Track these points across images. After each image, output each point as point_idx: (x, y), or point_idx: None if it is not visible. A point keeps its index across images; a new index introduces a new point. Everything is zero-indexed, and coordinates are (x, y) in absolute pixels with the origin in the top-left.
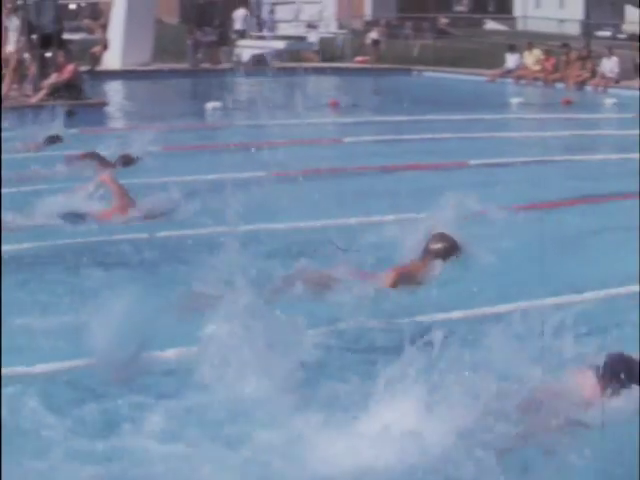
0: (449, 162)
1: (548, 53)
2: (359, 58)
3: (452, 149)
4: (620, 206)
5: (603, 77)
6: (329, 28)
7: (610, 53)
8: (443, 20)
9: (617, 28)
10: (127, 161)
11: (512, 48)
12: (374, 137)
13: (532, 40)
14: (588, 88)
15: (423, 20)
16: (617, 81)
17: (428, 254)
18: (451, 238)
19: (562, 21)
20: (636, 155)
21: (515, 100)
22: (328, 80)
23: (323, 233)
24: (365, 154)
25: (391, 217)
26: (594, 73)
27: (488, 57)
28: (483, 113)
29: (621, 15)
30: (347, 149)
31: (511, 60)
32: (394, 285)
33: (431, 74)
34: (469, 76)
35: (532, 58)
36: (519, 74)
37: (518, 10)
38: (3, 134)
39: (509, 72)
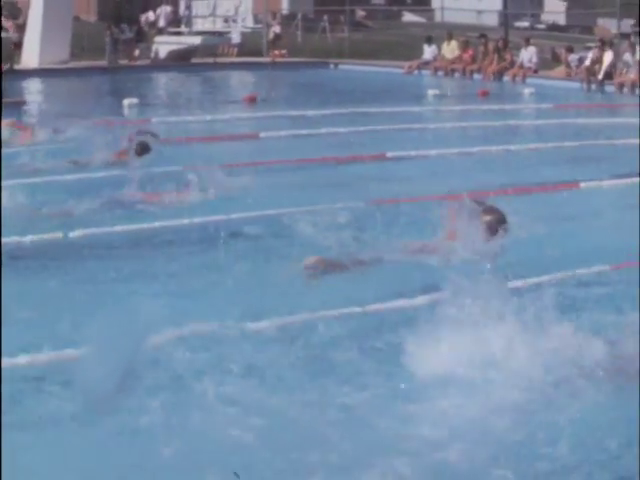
0: (366, 155)
1: (466, 44)
2: (276, 52)
3: (369, 142)
4: (536, 197)
5: (521, 67)
6: (246, 23)
7: (527, 43)
8: (360, 13)
9: (536, 18)
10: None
11: (429, 40)
12: (290, 131)
13: (450, 31)
14: (506, 78)
15: (340, 13)
16: (535, 71)
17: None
18: (499, 211)
19: (481, 12)
20: (551, 144)
21: (431, 92)
22: (246, 75)
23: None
24: (281, 148)
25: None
26: (512, 63)
27: (405, 49)
28: (399, 105)
29: (540, 5)
30: (262, 144)
31: (428, 52)
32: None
33: (348, 67)
34: (386, 68)
35: (449, 49)
36: (436, 65)
37: (436, 2)
38: None
39: (426, 64)
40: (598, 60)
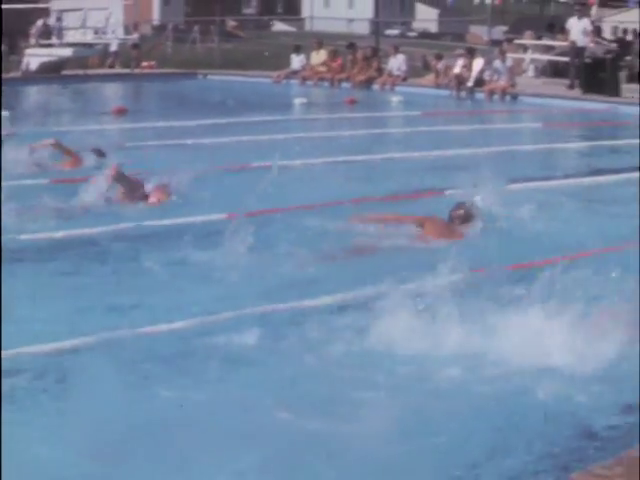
0: (232, 165)
1: (334, 53)
2: (145, 63)
3: (235, 152)
4: (400, 206)
5: (390, 75)
6: (116, 34)
7: (396, 51)
8: (231, 23)
9: (408, 26)
10: (100, 154)
11: (297, 49)
12: (157, 142)
13: (320, 40)
14: (375, 87)
15: (211, 23)
16: (404, 79)
17: (452, 219)
18: (468, 207)
19: (351, 21)
20: (418, 153)
21: (298, 101)
22: (115, 87)
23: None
24: (147, 159)
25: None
26: (380, 72)
27: (275, 58)
28: (266, 115)
29: (412, 13)
30: (128, 154)
31: (296, 61)
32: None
33: (217, 77)
34: (256, 78)
35: (318, 58)
36: (304, 75)
37: (306, 11)
38: None
39: (295, 73)
40: (467, 67)
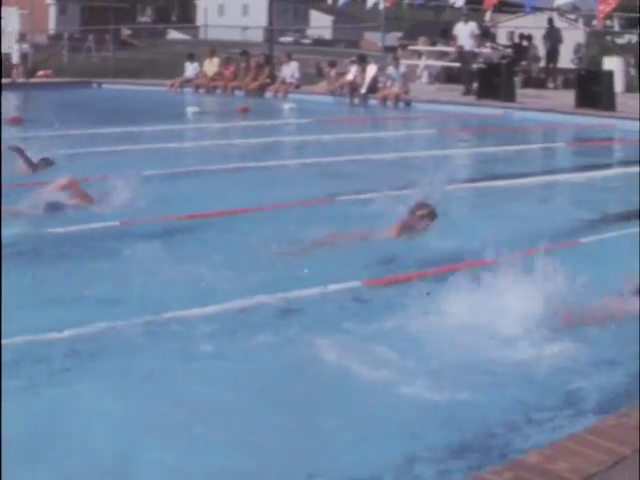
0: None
1: (227, 61)
2: (41, 72)
3: (125, 161)
4: (292, 213)
5: (283, 83)
6: (10, 43)
7: (289, 59)
8: (126, 32)
9: (302, 33)
10: (48, 163)
11: (191, 57)
12: (49, 152)
13: (214, 48)
14: (268, 94)
15: (106, 32)
16: (297, 86)
17: (414, 216)
18: (430, 205)
19: (245, 28)
20: (310, 160)
21: (191, 109)
22: (11, 96)
23: None
24: None
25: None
26: (274, 79)
27: (170, 67)
28: (158, 124)
29: (306, 20)
30: None
31: (190, 69)
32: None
33: (111, 86)
34: (150, 87)
35: (211, 66)
36: (197, 83)
37: (201, 19)
38: None
39: (188, 81)
40: (360, 74)
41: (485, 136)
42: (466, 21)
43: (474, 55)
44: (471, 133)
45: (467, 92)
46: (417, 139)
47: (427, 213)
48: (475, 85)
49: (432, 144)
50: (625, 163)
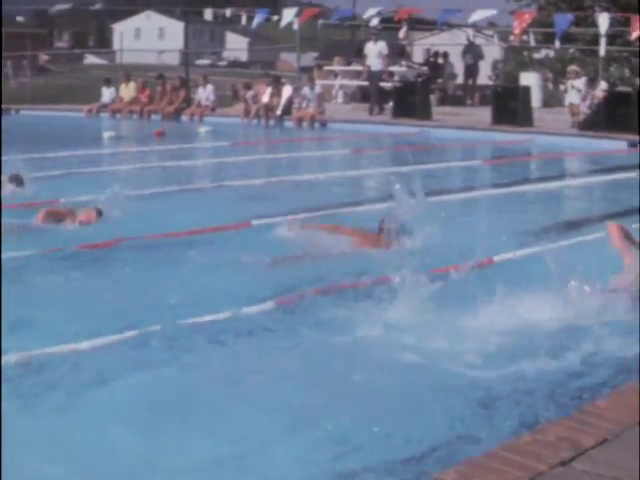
0: (39, 201)
1: (143, 85)
2: None
3: (42, 187)
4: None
5: (199, 106)
6: None
7: (205, 81)
8: (44, 57)
9: (218, 56)
10: (19, 181)
11: (108, 82)
12: None
13: (129, 73)
14: (184, 118)
15: (23, 58)
16: (213, 109)
17: (381, 231)
18: (397, 221)
19: (162, 52)
20: (226, 183)
21: (107, 134)
22: None
23: None
24: None
25: None
26: (190, 102)
27: (87, 92)
28: (74, 150)
29: (222, 42)
30: None
31: (107, 94)
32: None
33: (29, 112)
34: (68, 112)
35: (127, 91)
36: (114, 107)
37: (117, 43)
38: None
39: (105, 106)
40: (275, 96)
41: (400, 155)
42: (375, 40)
43: (383, 74)
44: (386, 152)
45: (372, 112)
46: (332, 160)
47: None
48: (390, 104)
49: (347, 164)
50: (542, 178)
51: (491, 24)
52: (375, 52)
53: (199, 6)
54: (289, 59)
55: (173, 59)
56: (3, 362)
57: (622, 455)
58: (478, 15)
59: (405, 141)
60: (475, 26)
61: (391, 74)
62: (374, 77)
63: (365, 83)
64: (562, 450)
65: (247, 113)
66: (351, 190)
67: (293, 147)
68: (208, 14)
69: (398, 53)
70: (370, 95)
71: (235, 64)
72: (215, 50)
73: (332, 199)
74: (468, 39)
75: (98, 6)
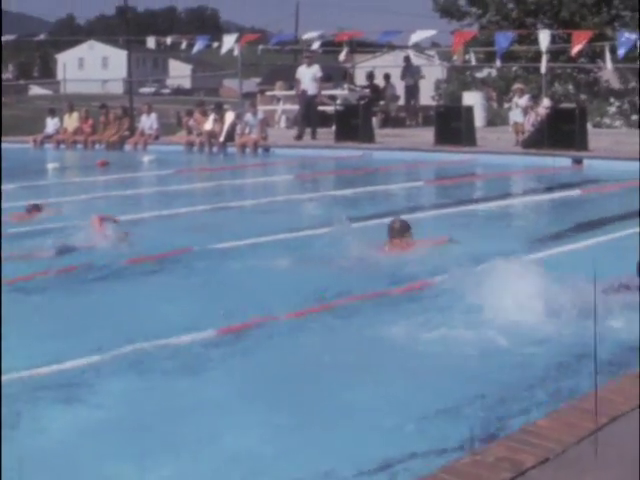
0: None
1: (86, 114)
2: None
3: None
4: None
5: (142, 134)
6: None
7: (149, 109)
8: None
9: (162, 83)
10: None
11: (52, 112)
12: None
13: (72, 103)
14: (128, 147)
15: None
16: (157, 137)
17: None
18: (404, 220)
19: (106, 81)
20: (168, 211)
21: (51, 165)
22: None
23: None
24: None
25: None
26: (133, 131)
27: (32, 123)
28: (18, 182)
29: (165, 70)
30: None
31: (51, 124)
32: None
33: None
34: (12, 144)
35: (71, 121)
36: (58, 138)
37: (61, 74)
38: None
39: (50, 137)
40: (218, 122)
41: (343, 179)
42: (309, 64)
43: (317, 98)
44: (329, 176)
45: (300, 137)
46: (275, 185)
47: (399, 227)
48: (333, 128)
49: (290, 189)
50: (486, 198)
51: (434, 44)
52: (309, 76)
53: (142, 34)
54: (232, 85)
55: (117, 88)
56: None
57: (563, 474)
58: (418, 36)
59: (348, 164)
60: (417, 47)
61: (333, 98)
62: (309, 101)
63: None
64: (502, 470)
65: (190, 141)
66: (293, 216)
67: (236, 174)
68: (151, 42)
69: (340, 76)
70: (304, 119)
71: (179, 91)
72: (158, 78)
73: (274, 225)
74: (406, 59)
75: (42, 36)
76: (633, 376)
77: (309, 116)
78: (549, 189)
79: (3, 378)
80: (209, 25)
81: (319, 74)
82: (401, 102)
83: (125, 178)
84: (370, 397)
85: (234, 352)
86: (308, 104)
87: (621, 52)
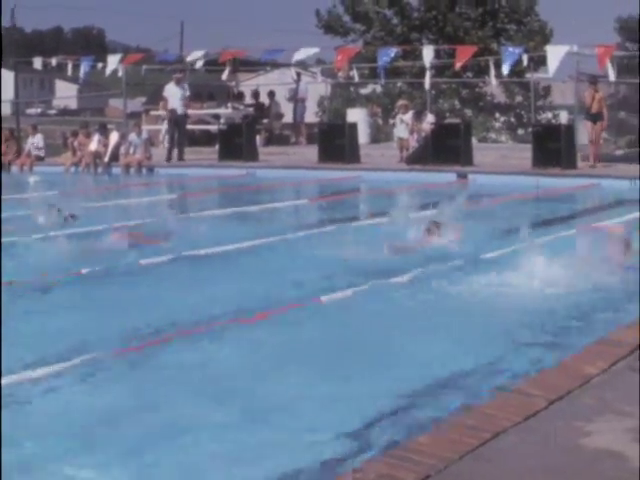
0: None
1: None
2: None
3: None
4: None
5: (28, 156)
6: None
7: (35, 131)
8: None
9: (48, 104)
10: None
11: None
12: None
13: None
14: (14, 168)
15: None
16: (42, 158)
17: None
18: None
19: None
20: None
21: None
22: None
23: None
24: None
25: None
26: (20, 153)
27: None
28: None
29: (52, 91)
30: None
31: None
32: None
33: None
34: None
35: None
36: None
37: None
38: None
39: None
40: (103, 143)
41: (227, 197)
42: (178, 82)
43: (186, 117)
44: (214, 194)
45: (170, 157)
46: (157, 205)
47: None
48: (218, 146)
49: (173, 209)
50: (371, 215)
51: (319, 61)
52: (178, 94)
53: (29, 55)
54: (118, 105)
55: (5, 109)
56: None
57: None
58: (302, 54)
59: (232, 183)
60: (302, 64)
61: (217, 116)
62: (177, 120)
63: (192, 126)
64: None
65: (75, 162)
66: (174, 235)
67: (120, 194)
68: (37, 63)
69: (224, 95)
70: (200, 138)
71: (65, 112)
72: (45, 99)
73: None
74: (292, 77)
75: None
76: (517, 392)
77: (178, 135)
78: (432, 204)
79: None
80: (95, 45)
81: (188, 93)
82: (288, 119)
83: (8, 199)
84: None
85: None
86: (177, 123)
87: (506, 67)
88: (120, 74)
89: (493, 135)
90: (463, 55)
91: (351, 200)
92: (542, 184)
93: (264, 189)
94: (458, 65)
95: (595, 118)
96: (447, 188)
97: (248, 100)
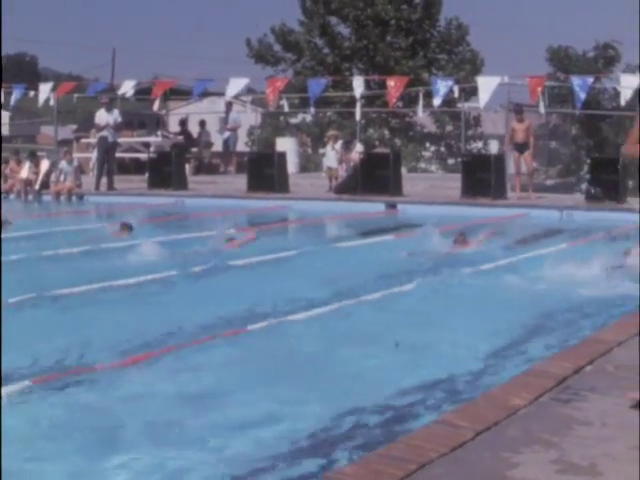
0: None
1: None
2: None
3: None
4: None
5: None
6: None
7: None
8: None
9: None
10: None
11: None
12: None
13: None
14: None
15: None
16: None
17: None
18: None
19: None
20: None
21: None
22: None
23: None
24: None
25: None
26: None
27: None
28: None
29: None
30: None
31: None
32: None
33: None
34: None
35: None
36: None
37: None
38: None
39: None
40: (34, 170)
41: (155, 226)
42: (108, 109)
43: (117, 145)
44: (143, 223)
45: (98, 186)
46: (83, 233)
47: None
48: (148, 175)
49: (96, 238)
50: (298, 245)
51: (249, 90)
52: (110, 121)
53: None
54: (50, 132)
55: None
56: None
57: None
58: (233, 88)
59: (160, 212)
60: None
61: (147, 145)
62: (107, 147)
63: (122, 154)
64: None
65: (7, 189)
66: (101, 264)
67: (47, 223)
68: None
69: (154, 123)
70: (129, 166)
71: None
72: None
73: (82, 274)
74: (227, 106)
75: None
76: (443, 422)
77: (108, 163)
78: (361, 234)
79: None
80: (27, 72)
81: (120, 119)
82: (218, 148)
83: None
84: None
85: None
86: (107, 151)
87: (437, 100)
88: (52, 103)
89: (423, 165)
90: (396, 88)
91: (277, 230)
92: (471, 214)
93: (192, 217)
94: (393, 101)
95: (521, 148)
96: (374, 218)
97: (175, 128)
